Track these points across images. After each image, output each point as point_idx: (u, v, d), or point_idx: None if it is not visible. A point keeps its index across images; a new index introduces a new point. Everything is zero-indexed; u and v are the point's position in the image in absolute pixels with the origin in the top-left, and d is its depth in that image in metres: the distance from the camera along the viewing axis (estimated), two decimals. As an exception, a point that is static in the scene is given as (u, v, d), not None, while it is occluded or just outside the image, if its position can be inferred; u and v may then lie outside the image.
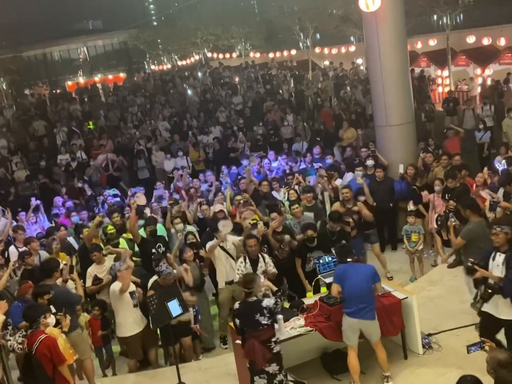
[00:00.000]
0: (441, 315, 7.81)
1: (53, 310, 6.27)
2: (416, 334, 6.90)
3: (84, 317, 7.88)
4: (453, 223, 7.82)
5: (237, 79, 27.05)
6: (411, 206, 10.34)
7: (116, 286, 7.42)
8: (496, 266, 5.99)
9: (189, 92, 24.77)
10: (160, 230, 9.89)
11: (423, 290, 8.74)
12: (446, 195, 9.28)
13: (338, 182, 11.53)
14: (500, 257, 5.98)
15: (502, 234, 5.94)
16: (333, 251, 7.60)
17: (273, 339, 5.79)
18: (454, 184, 9.40)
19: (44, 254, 9.34)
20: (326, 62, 29.25)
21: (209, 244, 8.71)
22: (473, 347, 4.85)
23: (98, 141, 18.08)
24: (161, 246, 9.24)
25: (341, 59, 27.29)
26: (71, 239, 10.25)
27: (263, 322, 5.70)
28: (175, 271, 7.83)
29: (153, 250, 9.05)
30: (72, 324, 6.66)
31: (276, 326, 5.86)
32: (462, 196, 8.77)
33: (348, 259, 6.56)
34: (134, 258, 8.94)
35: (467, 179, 9.93)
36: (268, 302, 5.77)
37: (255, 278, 6.05)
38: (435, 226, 9.80)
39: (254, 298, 5.87)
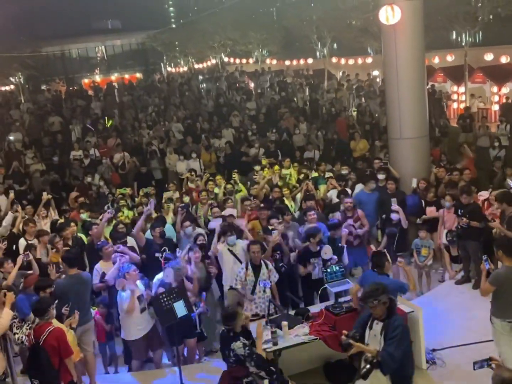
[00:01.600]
0: (446, 331, 7.77)
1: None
2: (420, 349, 6.87)
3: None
4: (487, 267, 6.47)
5: (252, 84, 27.12)
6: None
7: (125, 304, 7.34)
8: (373, 337, 5.39)
9: (204, 95, 24.88)
10: (168, 230, 9.91)
11: (429, 305, 8.69)
12: (459, 210, 9.21)
13: (330, 193, 11.57)
14: (377, 326, 5.39)
15: (380, 305, 5.32)
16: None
17: (246, 380, 5.56)
18: (468, 200, 9.18)
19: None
20: (341, 73, 29.29)
21: (213, 243, 8.77)
22: (479, 364, 4.81)
23: (107, 139, 18.23)
24: (166, 250, 9.01)
25: (357, 70, 27.29)
26: (82, 236, 10.29)
27: (230, 360, 5.61)
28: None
29: (156, 254, 8.97)
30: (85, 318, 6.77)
31: (251, 368, 5.51)
32: (474, 215, 8.73)
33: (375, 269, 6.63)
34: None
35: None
36: (238, 347, 5.51)
37: (236, 314, 5.77)
38: (445, 241, 9.78)
39: (231, 333, 5.71)
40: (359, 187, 11.78)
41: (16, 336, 6.46)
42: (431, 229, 10.08)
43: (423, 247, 9.66)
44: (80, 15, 50.62)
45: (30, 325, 6.36)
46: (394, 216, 9.76)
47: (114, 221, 10.23)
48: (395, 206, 9.36)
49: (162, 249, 9.09)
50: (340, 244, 8.95)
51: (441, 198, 10.37)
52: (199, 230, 9.93)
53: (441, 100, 21.07)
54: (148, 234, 9.61)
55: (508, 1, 20.37)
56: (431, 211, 10.38)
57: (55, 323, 5.96)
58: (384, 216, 10.75)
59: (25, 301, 7.09)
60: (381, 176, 11.52)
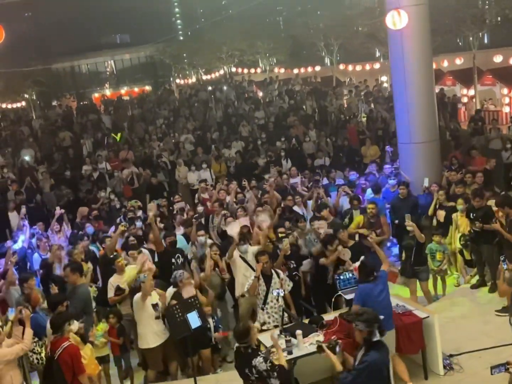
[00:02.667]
0: (463, 336, 7.69)
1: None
2: (437, 355, 6.81)
3: (104, 326, 7.91)
4: (505, 268, 6.60)
5: (260, 93, 27.19)
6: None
7: (139, 297, 7.46)
8: (356, 360, 5.41)
9: (213, 105, 24.98)
10: (179, 242, 9.93)
11: (445, 310, 8.62)
12: (471, 214, 9.11)
13: (341, 200, 11.52)
14: (361, 352, 5.35)
15: (357, 331, 5.31)
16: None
17: None
18: (480, 203, 9.05)
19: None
20: (349, 79, 29.33)
21: (230, 249, 8.76)
22: (497, 369, 4.76)
23: (118, 152, 18.33)
24: (180, 257, 9.22)
25: (365, 76, 27.30)
26: (94, 248, 10.35)
27: (252, 378, 5.46)
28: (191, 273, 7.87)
29: (173, 260, 9.05)
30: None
31: (274, 382, 5.35)
32: (487, 218, 8.65)
33: (371, 278, 6.50)
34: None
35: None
36: (259, 362, 5.36)
37: (249, 329, 5.61)
38: (459, 245, 9.70)
39: (249, 350, 5.55)
40: (369, 192, 11.76)
41: (33, 358, 6.48)
42: (445, 233, 9.99)
43: (438, 252, 9.56)
44: (89, 30, 51.27)
45: (42, 344, 6.35)
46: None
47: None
48: (409, 222, 9.08)
49: (176, 255, 9.19)
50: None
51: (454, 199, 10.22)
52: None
53: (455, 104, 20.95)
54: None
55: (515, 2, 20.33)
56: (440, 215, 10.29)
57: (73, 339, 5.96)
58: (396, 221, 10.72)
59: (33, 321, 7.04)
60: (391, 182, 11.48)
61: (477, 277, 9.43)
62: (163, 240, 9.59)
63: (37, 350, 6.88)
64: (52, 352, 5.81)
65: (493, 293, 8.74)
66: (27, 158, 18.37)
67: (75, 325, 6.08)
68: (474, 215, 8.98)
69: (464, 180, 10.90)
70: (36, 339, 6.79)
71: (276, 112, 22.19)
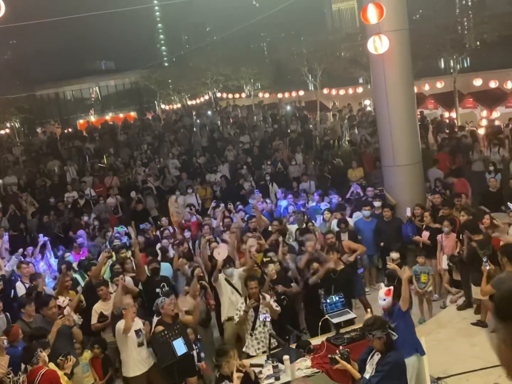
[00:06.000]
0: (450, 359, 7.67)
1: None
2: (425, 378, 6.76)
3: (88, 354, 7.77)
4: (487, 268, 6.97)
5: (245, 118, 27.37)
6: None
7: (121, 324, 7.35)
8: (371, 365, 5.59)
9: (197, 130, 25.07)
10: (164, 269, 9.85)
11: (432, 332, 8.61)
12: (461, 235, 9.17)
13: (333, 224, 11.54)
14: (376, 357, 5.53)
15: (375, 339, 5.41)
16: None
17: None
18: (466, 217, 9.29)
19: (50, 292, 9.29)
20: (332, 103, 29.69)
21: (215, 273, 8.71)
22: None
23: (103, 178, 18.26)
24: (165, 286, 9.00)
25: (349, 100, 27.65)
26: (77, 276, 10.20)
27: None
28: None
29: (157, 290, 8.88)
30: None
31: None
32: (473, 228, 8.73)
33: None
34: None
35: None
36: None
37: (227, 353, 5.60)
38: (446, 266, 9.73)
39: (217, 373, 5.53)
40: (357, 214, 11.80)
41: None
42: (429, 254, 10.03)
43: (422, 273, 9.58)
44: (74, 57, 51.60)
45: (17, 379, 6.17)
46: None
47: (111, 261, 10.15)
48: (390, 264, 8.91)
49: (161, 284, 9.01)
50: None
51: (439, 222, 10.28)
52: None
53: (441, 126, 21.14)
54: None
55: (493, 27, 20.83)
56: (425, 236, 10.34)
57: (51, 366, 5.85)
58: (382, 244, 10.76)
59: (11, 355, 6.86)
60: (377, 204, 11.55)
61: (463, 299, 9.44)
62: (147, 267, 9.48)
63: None
64: (31, 383, 5.68)
65: (479, 314, 8.77)
66: (7, 181, 18.27)
67: (46, 352, 5.98)
68: (463, 231, 9.04)
69: (453, 202, 10.96)
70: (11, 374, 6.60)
71: (261, 136, 22.34)
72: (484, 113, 20.77)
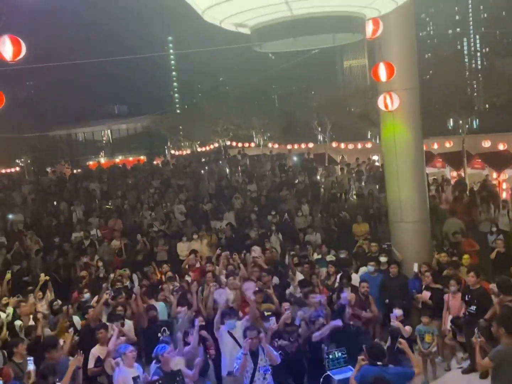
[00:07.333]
0: (454, 424, 7.41)
1: None
2: None
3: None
4: (478, 340, 6.79)
5: (254, 167, 27.58)
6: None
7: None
8: None
9: (206, 177, 25.23)
10: (161, 312, 9.71)
11: (436, 395, 8.36)
12: (466, 296, 9.00)
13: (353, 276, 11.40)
14: None
15: None
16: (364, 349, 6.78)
17: None
18: (475, 282, 8.94)
19: (48, 332, 9.15)
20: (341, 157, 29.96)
21: (216, 321, 8.57)
22: None
23: (108, 220, 18.28)
24: (166, 330, 8.88)
25: (357, 154, 27.86)
26: (75, 318, 10.06)
27: None
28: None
29: (159, 335, 8.74)
30: None
31: None
32: (483, 300, 8.53)
33: (379, 362, 6.24)
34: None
35: (484, 283, 9.69)
36: None
37: None
38: (449, 328, 9.53)
39: None
40: (363, 269, 11.69)
41: None
42: (434, 315, 9.83)
43: (427, 334, 9.36)
44: (88, 100, 52.63)
45: None
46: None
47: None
48: (395, 321, 8.82)
49: (162, 329, 8.89)
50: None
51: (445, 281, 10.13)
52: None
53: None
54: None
55: (502, 91, 21.19)
56: (425, 295, 10.18)
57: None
58: (387, 300, 10.58)
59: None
60: (383, 259, 11.45)
61: (468, 362, 9.20)
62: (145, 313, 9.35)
63: None
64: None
65: (484, 379, 8.50)
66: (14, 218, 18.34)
67: None
68: (470, 296, 8.88)
69: (457, 261, 10.86)
70: None
71: (269, 186, 22.44)
72: (494, 175, 20.84)
